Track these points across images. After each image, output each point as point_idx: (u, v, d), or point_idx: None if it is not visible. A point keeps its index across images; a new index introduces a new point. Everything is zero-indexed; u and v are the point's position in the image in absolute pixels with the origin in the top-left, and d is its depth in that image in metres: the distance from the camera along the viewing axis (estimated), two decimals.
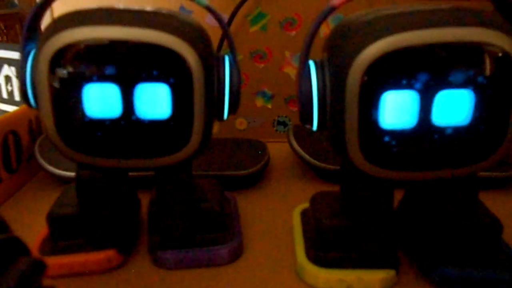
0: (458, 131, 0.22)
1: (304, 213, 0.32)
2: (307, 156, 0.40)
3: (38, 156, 0.39)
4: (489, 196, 0.28)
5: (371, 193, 0.25)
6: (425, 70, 0.21)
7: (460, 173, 0.24)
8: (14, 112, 0.40)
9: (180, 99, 0.24)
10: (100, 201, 0.27)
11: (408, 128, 0.22)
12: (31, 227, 0.33)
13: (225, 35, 0.27)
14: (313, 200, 0.29)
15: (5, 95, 0.56)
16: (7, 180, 0.38)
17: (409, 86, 0.21)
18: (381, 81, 0.21)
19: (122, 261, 0.28)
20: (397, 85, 0.21)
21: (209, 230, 0.29)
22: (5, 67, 0.54)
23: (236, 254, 0.29)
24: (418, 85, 0.21)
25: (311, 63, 0.24)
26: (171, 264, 0.28)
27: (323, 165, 0.39)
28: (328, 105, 0.24)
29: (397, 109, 0.22)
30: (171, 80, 0.23)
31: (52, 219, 0.28)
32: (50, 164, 0.38)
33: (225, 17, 0.46)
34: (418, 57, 0.21)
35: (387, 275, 0.26)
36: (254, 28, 0.47)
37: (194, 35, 0.24)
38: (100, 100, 0.24)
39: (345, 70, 0.22)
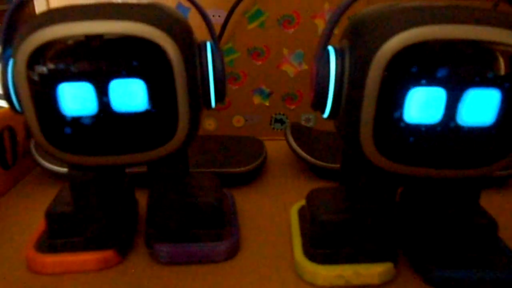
0: (480, 131, 0.22)
1: (301, 211, 0.32)
2: (304, 154, 0.40)
3: (34, 151, 0.38)
4: (487, 195, 0.28)
5: (374, 187, 0.25)
6: (450, 66, 0.20)
7: (470, 174, 0.23)
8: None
9: (160, 91, 0.23)
10: (94, 200, 0.27)
11: (428, 124, 0.22)
12: (27, 222, 0.32)
13: (205, 21, 0.26)
14: (309, 196, 0.29)
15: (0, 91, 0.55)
16: (2, 175, 0.37)
17: (434, 82, 0.21)
18: (404, 74, 0.21)
19: (119, 261, 0.28)
20: (420, 80, 0.21)
21: (207, 225, 0.28)
22: None
23: (233, 252, 0.29)
24: (443, 82, 0.21)
25: (331, 48, 0.24)
26: (166, 257, 0.28)
27: (320, 163, 0.39)
28: (344, 93, 0.23)
29: (418, 104, 0.21)
30: (148, 72, 0.23)
31: (51, 216, 0.27)
32: (46, 160, 0.38)
33: (223, 14, 0.45)
34: (443, 53, 0.20)
35: (385, 268, 0.26)
36: (252, 26, 0.47)
37: (173, 25, 0.23)
38: (76, 97, 0.23)
39: (367, 60, 0.21)
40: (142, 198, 0.32)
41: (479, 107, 0.21)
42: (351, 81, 0.23)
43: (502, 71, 0.20)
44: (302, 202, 0.32)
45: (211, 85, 0.26)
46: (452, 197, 0.25)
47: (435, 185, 0.25)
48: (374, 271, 0.26)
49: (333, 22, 0.23)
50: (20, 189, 0.39)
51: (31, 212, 0.34)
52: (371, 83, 0.21)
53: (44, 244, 0.28)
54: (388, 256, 0.26)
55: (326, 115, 0.25)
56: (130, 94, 0.23)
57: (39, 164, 0.38)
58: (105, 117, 0.23)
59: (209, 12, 0.46)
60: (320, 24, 0.46)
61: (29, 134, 0.41)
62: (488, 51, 0.20)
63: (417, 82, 0.21)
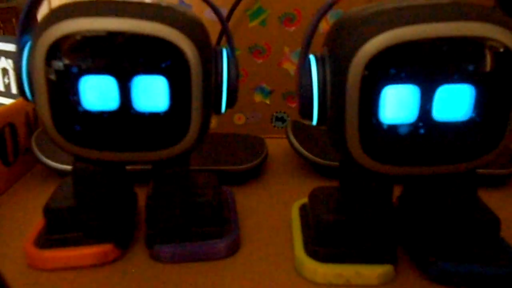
0: (458, 126, 0.22)
1: (302, 209, 0.32)
2: (305, 152, 0.40)
3: (35, 149, 0.38)
4: (489, 194, 0.28)
5: (370, 188, 0.25)
6: (426, 64, 0.21)
7: (460, 168, 0.24)
8: (11, 105, 0.40)
9: (178, 92, 0.24)
10: (96, 194, 0.27)
11: (408, 123, 0.22)
12: (28, 219, 0.33)
13: (224, 28, 0.27)
14: (312, 195, 0.29)
15: (2, 88, 0.55)
16: (4, 173, 0.37)
17: (410, 81, 0.21)
18: (382, 76, 0.21)
19: (118, 255, 0.28)
20: (398, 80, 0.21)
21: (206, 224, 0.29)
22: (2, 59, 0.54)
23: (233, 249, 0.29)
24: (419, 80, 0.21)
25: (312, 57, 0.24)
26: (167, 258, 0.28)
27: (321, 160, 0.39)
28: (328, 99, 0.24)
29: (397, 103, 0.22)
30: (169, 73, 0.23)
31: (49, 211, 0.27)
32: (47, 157, 0.38)
33: (224, 11, 0.45)
34: (419, 52, 0.21)
35: (385, 270, 0.26)
36: (254, 23, 0.47)
37: (193, 28, 0.24)
38: (97, 92, 0.23)
39: (345, 65, 0.22)
40: (141, 194, 0.32)
41: (453, 102, 0.22)
42: (333, 88, 0.23)
43: (475, 66, 0.21)
44: (303, 200, 0.32)
45: (224, 91, 0.26)
46: (448, 193, 0.25)
47: (429, 182, 0.26)
48: (374, 272, 0.26)
49: (311, 31, 0.24)
50: (21, 186, 0.39)
51: (32, 209, 0.34)
52: (351, 87, 0.22)
53: (43, 240, 0.28)
54: (388, 257, 0.26)
55: (314, 122, 0.25)
56: (152, 91, 0.23)
57: (40, 161, 0.38)
58: (124, 113, 0.24)
59: (210, 10, 0.46)
60: (321, 22, 0.46)
61: (30, 131, 0.41)
62: (460, 46, 0.21)
63: (392, 82, 0.21)
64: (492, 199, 0.28)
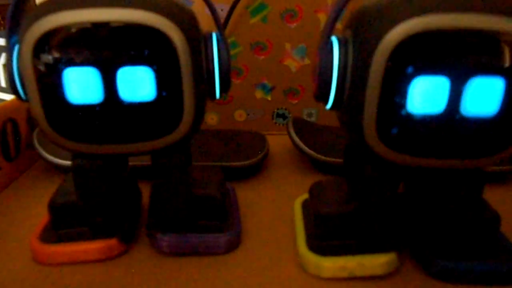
0: (483, 121, 0.22)
1: (304, 204, 0.32)
2: (306, 149, 0.40)
3: (36, 144, 0.38)
4: (490, 190, 0.28)
5: (378, 179, 0.25)
6: (454, 55, 0.20)
7: (480, 163, 0.23)
8: (13, 101, 0.40)
9: (167, 80, 0.23)
10: (97, 190, 0.27)
11: (432, 114, 0.22)
12: (30, 215, 0.33)
13: (213, 15, 0.26)
14: (312, 189, 0.29)
15: (3, 84, 0.55)
16: (5, 168, 0.37)
17: (437, 72, 0.21)
18: (408, 64, 0.21)
19: (123, 250, 0.28)
20: (424, 69, 0.21)
21: (208, 217, 0.29)
22: (3, 55, 0.54)
23: (233, 244, 0.29)
24: (447, 71, 0.20)
25: (334, 38, 0.23)
26: (167, 247, 0.28)
27: (322, 157, 0.39)
28: (348, 83, 0.23)
29: (422, 94, 0.21)
30: (156, 60, 0.23)
31: (54, 207, 0.27)
32: (49, 152, 0.38)
33: (226, 8, 0.45)
34: (449, 42, 0.20)
35: (389, 259, 0.26)
36: (255, 20, 0.47)
37: (180, 15, 0.23)
38: (82, 85, 0.23)
39: (370, 50, 0.21)
40: (145, 191, 0.32)
41: (483, 96, 0.21)
42: (354, 71, 0.23)
43: (506, 61, 0.20)
44: (305, 195, 0.32)
45: (216, 76, 0.26)
46: (455, 189, 0.25)
47: (438, 177, 0.25)
48: (377, 262, 0.26)
49: (337, 11, 0.23)
50: (22, 182, 0.39)
51: (34, 204, 0.34)
52: (375, 72, 0.21)
53: (48, 235, 0.28)
54: (391, 246, 0.26)
55: (329, 106, 0.25)
56: (137, 82, 0.23)
57: (41, 157, 0.38)
58: (111, 105, 0.24)
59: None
60: (323, 19, 0.46)
61: (32, 127, 0.41)
62: (492, 40, 0.20)
63: (420, 72, 0.21)
64: (493, 196, 0.28)
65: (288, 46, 0.48)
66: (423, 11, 0.20)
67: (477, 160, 0.23)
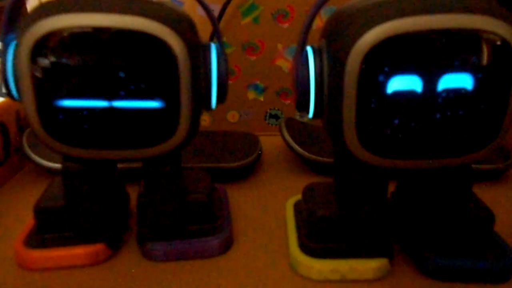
0: (458, 118, 0.22)
1: (297, 205, 0.32)
2: (299, 149, 0.40)
3: (26, 147, 0.38)
4: (483, 188, 0.28)
5: (365, 183, 0.25)
6: (424, 55, 0.21)
7: (459, 162, 0.24)
8: (1, 103, 0.39)
9: (166, 88, 0.23)
10: (87, 194, 0.27)
11: (410, 114, 0.22)
12: (19, 219, 0.32)
13: (213, 24, 0.27)
14: (305, 191, 0.29)
15: None
16: None
17: (409, 72, 0.21)
18: (381, 67, 0.21)
19: (109, 256, 0.28)
20: (396, 71, 0.21)
21: (198, 221, 0.28)
22: None
23: (225, 245, 0.29)
24: (418, 71, 0.21)
25: (309, 49, 0.24)
26: (160, 256, 0.27)
27: (315, 157, 0.39)
28: (325, 91, 0.23)
29: (399, 95, 0.22)
30: (155, 68, 0.23)
31: (39, 211, 0.27)
32: (39, 155, 0.38)
33: (217, 8, 0.45)
34: (417, 43, 0.21)
35: (380, 264, 0.26)
36: (246, 20, 0.47)
37: (181, 23, 0.23)
38: (84, 89, 0.23)
39: (343, 56, 0.21)
40: (132, 193, 0.32)
41: (455, 91, 0.22)
42: (331, 79, 0.23)
43: (475, 56, 0.21)
44: (298, 196, 0.32)
45: (213, 87, 0.25)
46: (444, 187, 0.25)
47: (425, 177, 0.26)
48: (369, 266, 0.26)
49: (309, 22, 0.23)
50: (12, 185, 0.38)
51: (23, 208, 0.34)
52: (349, 78, 0.21)
53: (33, 240, 0.27)
54: (383, 251, 0.26)
55: (311, 115, 0.25)
56: (136, 89, 0.23)
57: (31, 160, 0.38)
58: (108, 111, 0.23)
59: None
60: (315, 19, 0.46)
61: (21, 130, 0.41)
62: (460, 37, 0.21)
63: (393, 73, 0.21)
64: (486, 194, 0.28)
65: (280, 46, 0.48)
66: (391, 16, 0.21)
67: (460, 158, 0.23)
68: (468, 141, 0.23)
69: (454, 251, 0.26)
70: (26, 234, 0.28)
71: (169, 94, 0.24)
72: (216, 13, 0.45)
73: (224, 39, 0.47)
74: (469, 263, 0.25)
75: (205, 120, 0.50)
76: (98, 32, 0.22)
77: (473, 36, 0.21)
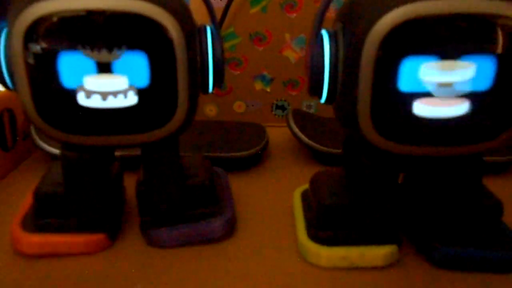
0: (477, 101, 0.22)
1: (304, 194, 0.32)
2: (307, 139, 0.40)
3: (34, 134, 0.38)
4: (492, 180, 0.28)
5: (376, 169, 0.25)
6: (443, 39, 0.21)
7: (471, 150, 0.23)
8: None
9: (162, 71, 0.23)
10: (86, 183, 0.26)
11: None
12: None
13: (208, 7, 0.26)
14: (313, 179, 0.29)
15: None
16: (2, 158, 0.37)
17: (427, 55, 0.21)
18: (398, 50, 0.21)
19: (108, 245, 0.28)
20: (416, 55, 0.21)
21: (200, 205, 0.28)
22: None
23: (228, 227, 0.29)
24: (437, 53, 0.21)
25: (324, 32, 0.24)
26: (164, 241, 0.27)
27: (323, 148, 0.39)
28: (340, 75, 0.23)
29: (416, 80, 0.21)
30: (152, 52, 0.23)
31: (40, 196, 0.27)
32: (46, 142, 0.38)
33: None
34: (436, 27, 0.21)
35: (390, 251, 0.26)
36: (254, 10, 0.47)
37: (175, 5, 0.23)
38: (78, 72, 0.23)
39: (361, 39, 0.21)
40: (128, 182, 0.32)
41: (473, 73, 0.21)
42: (346, 63, 0.23)
43: (496, 40, 0.21)
44: (305, 186, 0.32)
45: (210, 70, 0.25)
46: (455, 176, 0.25)
47: (438, 164, 0.25)
48: (378, 253, 0.26)
49: (325, 5, 0.23)
50: (20, 172, 0.38)
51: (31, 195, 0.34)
52: (366, 61, 0.21)
53: (31, 224, 0.27)
54: (392, 238, 0.26)
55: (323, 100, 0.25)
56: (132, 70, 0.23)
57: (39, 147, 0.38)
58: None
59: None
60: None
61: None
62: (482, 22, 0.21)
63: (411, 57, 0.21)
64: (495, 185, 0.28)
65: (287, 36, 0.48)
66: (407, 0, 0.20)
67: (478, 145, 0.23)
68: (484, 128, 0.23)
69: (462, 240, 0.26)
70: (21, 217, 0.28)
71: (165, 78, 0.23)
72: (224, 3, 0.45)
73: (232, 28, 0.47)
74: (478, 252, 0.25)
75: (212, 110, 0.50)
76: (92, 15, 0.22)
77: (493, 22, 0.21)
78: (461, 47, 0.21)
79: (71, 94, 0.23)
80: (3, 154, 0.37)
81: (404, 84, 0.21)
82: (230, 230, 0.29)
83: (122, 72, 0.23)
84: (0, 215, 0.31)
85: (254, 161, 0.40)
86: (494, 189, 0.27)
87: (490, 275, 0.25)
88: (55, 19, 0.22)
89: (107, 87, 0.23)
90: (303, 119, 0.43)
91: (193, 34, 0.24)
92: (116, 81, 0.23)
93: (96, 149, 0.26)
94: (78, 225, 0.27)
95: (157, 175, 0.27)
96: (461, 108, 0.22)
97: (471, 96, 0.22)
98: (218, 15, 0.44)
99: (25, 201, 0.29)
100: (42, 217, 0.27)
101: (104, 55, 0.22)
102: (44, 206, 0.27)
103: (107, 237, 0.27)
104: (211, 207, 0.29)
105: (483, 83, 0.22)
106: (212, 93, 0.27)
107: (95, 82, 0.23)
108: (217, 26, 0.26)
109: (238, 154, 0.38)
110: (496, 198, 0.26)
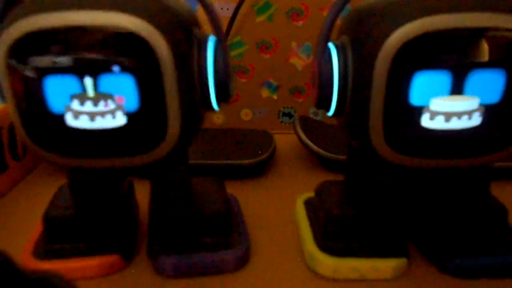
0: (488, 114, 0.22)
1: (308, 202, 0.32)
2: (314, 147, 0.40)
3: None
4: (497, 186, 0.28)
5: (385, 182, 0.25)
6: (457, 52, 0.21)
7: (481, 161, 0.23)
8: None
9: (149, 90, 0.21)
10: (95, 202, 0.25)
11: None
12: (38, 215, 0.32)
13: (210, 17, 0.23)
14: (320, 189, 0.29)
15: None
16: (13, 167, 0.38)
17: (440, 68, 0.21)
18: (410, 65, 0.21)
19: (122, 267, 0.27)
20: (428, 69, 0.21)
21: (213, 233, 0.27)
22: None
23: (242, 260, 0.27)
24: (450, 67, 0.21)
25: (331, 45, 0.24)
26: (172, 270, 0.26)
27: (330, 154, 0.39)
28: (350, 89, 0.23)
29: (428, 93, 0.21)
30: (136, 70, 0.21)
31: (50, 221, 0.26)
32: None
33: (232, 6, 0.45)
34: (450, 40, 0.21)
35: (400, 263, 0.26)
36: (261, 18, 0.47)
37: (165, 17, 0.21)
38: (63, 94, 0.21)
39: (373, 54, 0.21)
40: (141, 193, 0.31)
41: (485, 87, 0.21)
42: (356, 77, 0.23)
43: (505, 56, 0.21)
44: (307, 194, 0.32)
45: (211, 86, 0.23)
46: (463, 187, 0.25)
47: (446, 176, 0.25)
48: (389, 265, 0.25)
49: (333, 18, 0.23)
50: (30, 181, 0.39)
51: (42, 204, 0.34)
52: (379, 75, 0.21)
53: (42, 250, 0.26)
54: (401, 250, 0.26)
55: (331, 113, 0.25)
56: (120, 92, 0.21)
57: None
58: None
59: (218, 5, 0.46)
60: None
61: None
62: (493, 35, 0.21)
63: (423, 71, 0.21)
64: (502, 192, 0.28)
65: (294, 44, 0.48)
66: (424, 12, 0.20)
67: (488, 156, 0.23)
68: (494, 140, 0.23)
69: (474, 248, 0.26)
70: (34, 244, 0.27)
71: (153, 97, 0.21)
72: (230, 11, 0.46)
73: (238, 37, 0.47)
74: (490, 260, 0.25)
75: (219, 118, 0.51)
76: (72, 31, 0.20)
77: (504, 36, 0.21)
78: (471, 61, 0.21)
79: (56, 116, 0.22)
80: (14, 163, 0.38)
81: (416, 97, 0.21)
82: (243, 263, 0.27)
83: (110, 92, 0.21)
84: (13, 224, 0.32)
85: (262, 168, 0.40)
86: (503, 195, 0.27)
87: (501, 280, 0.25)
88: (35, 37, 0.20)
89: (94, 107, 0.22)
90: (310, 126, 0.43)
91: (188, 48, 0.22)
92: (102, 103, 0.22)
93: (98, 172, 0.25)
94: (90, 247, 0.26)
95: (165, 199, 0.26)
96: (471, 120, 0.22)
97: (481, 109, 0.22)
98: (225, 24, 0.44)
99: (36, 229, 0.28)
100: (53, 243, 0.26)
101: (88, 80, 0.21)
102: (55, 230, 0.26)
103: (121, 257, 0.26)
104: (226, 237, 0.27)
105: (493, 95, 0.22)
106: (218, 110, 0.25)
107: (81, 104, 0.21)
108: (222, 36, 0.23)
109: (246, 161, 0.38)
110: (500, 203, 0.26)
